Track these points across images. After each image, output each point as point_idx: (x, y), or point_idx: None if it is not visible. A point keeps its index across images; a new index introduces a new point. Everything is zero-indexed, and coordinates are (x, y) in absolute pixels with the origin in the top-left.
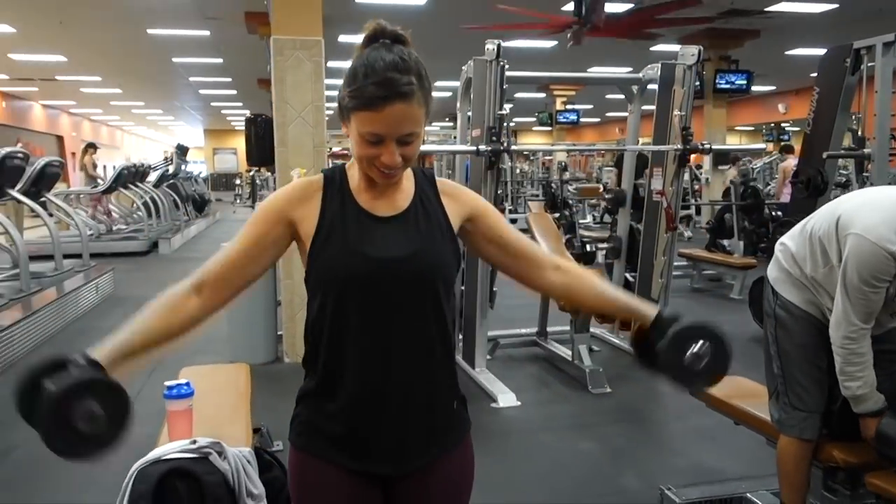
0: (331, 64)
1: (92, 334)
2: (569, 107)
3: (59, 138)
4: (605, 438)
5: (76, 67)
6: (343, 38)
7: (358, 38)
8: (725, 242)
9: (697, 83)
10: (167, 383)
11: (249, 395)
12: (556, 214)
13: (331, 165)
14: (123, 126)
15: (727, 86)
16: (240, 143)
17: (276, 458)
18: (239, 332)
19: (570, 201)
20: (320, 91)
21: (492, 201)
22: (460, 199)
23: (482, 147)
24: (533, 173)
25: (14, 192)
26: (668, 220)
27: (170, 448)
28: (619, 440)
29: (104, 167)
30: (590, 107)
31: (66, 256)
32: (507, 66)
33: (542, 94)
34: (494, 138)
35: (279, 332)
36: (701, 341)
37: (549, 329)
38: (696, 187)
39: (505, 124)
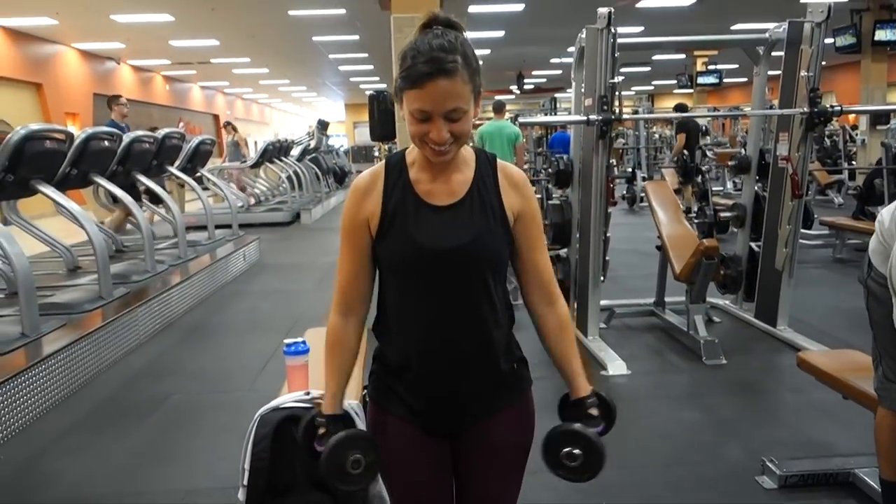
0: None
1: (240, 296)
2: (710, 67)
3: (215, 117)
4: (711, 409)
5: (228, 50)
6: (473, 9)
7: (489, 8)
8: (876, 210)
9: (844, 38)
10: (286, 341)
11: (363, 354)
12: (689, 182)
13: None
14: (272, 103)
15: (889, 37)
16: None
17: None
18: None
19: (704, 168)
20: None
21: (602, 171)
22: (520, 193)
23: (592, 116)
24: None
25: (172, 169)
26: (794, 188)
27: (287, 398)
28: (725, 411)
29: (255, 143)
30: (734, 66)
31: (218, 227)
32: (617, 34)
33: (682, 56)
34: (605, 107)
35: None
36: (574, 448)
37: (667, 299)
38: (852, 150)
39: (617, 92)
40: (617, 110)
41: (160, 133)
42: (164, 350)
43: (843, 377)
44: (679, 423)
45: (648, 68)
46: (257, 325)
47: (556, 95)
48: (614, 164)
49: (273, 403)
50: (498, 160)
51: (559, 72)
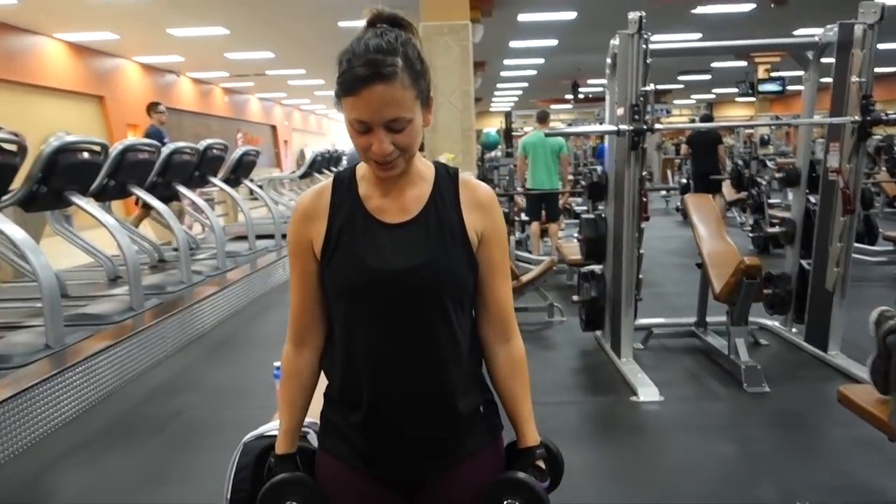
0: (513, 44)
1: (274, 308)
2: (773, 74)
3: (273, 128)
4: (748, 442)
5: (282, 62)
6: (523, 17)
7: (540, 17)
8: None
9: None
10: (276, 363)
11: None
12: (743, 194)
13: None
14: (329, 114)
15: None
16: None
17: None
18: None
19: (759, 179)
20: (468, 75)
21: (635, 184)
22: (485, 212)
23: (623, 126)
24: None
25: (215, 180)
26: (846, 202)
27: (273, 426)
28: (763, 445)
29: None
30: (800, 73)
31: (262, 237)
32: (650, 38)
33: (743, 63)
34: (637, 117)
35: None
36: (515, 500)
37: (709, 319)
38: None
39: (650, 102)
40: (649, 120)
41: (202, 144)
42: (187, 363)
43: (888, 418)
44: (710, 456)
45: (708, 76)
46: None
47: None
48: (647, 176)
49: (258, 431)
50: (463, 175)
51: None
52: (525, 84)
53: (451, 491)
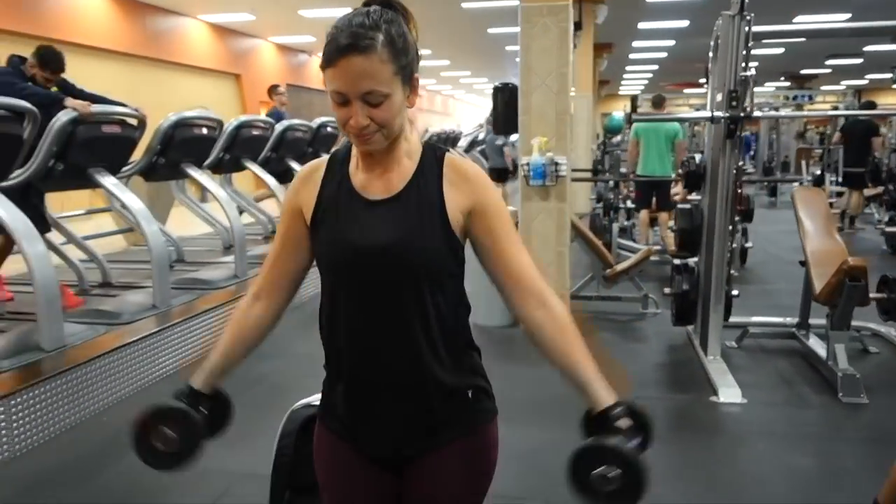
0: (641, 25)
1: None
2: None
3: None
4: (830, 456)
5: None
6: None
7: None
8: None
9: None
10: None
11: None
12: (880, 189)
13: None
14: (455, 94)
15: None
16: None
17: None
18: (480, 295)
19: None
20: (565, 57)
21: (728, 174)
22: (464, 189)
23: (717, 113)
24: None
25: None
26: None
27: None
28: (847, 461)
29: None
30: None
31: None
32: (751, 19)
33: None
34: (734, 103)
35: None
36: (609, 469)
37: (811, 321)
38: None
39: (750, 87)
40: (748, 107)
41: (316, 122)
42: (280, 331)
43: None
44: (785, 467)
45: (860, 60)
46: None
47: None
48: (744, 165)
49: (306, 400)
50: (449, 154)
51: (754, 63)
52: (655, 67)
53: (436, 474)
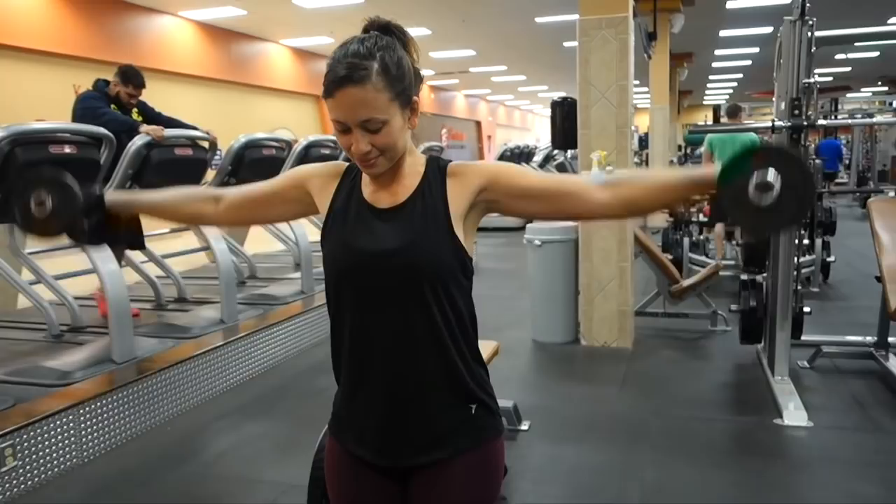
0: (723, 33)
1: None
2: None
3: (477, 123)
4: None
5: (484, 59)
6: (731, 4)
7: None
8: None
9: None
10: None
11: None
12: None
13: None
14: (534, 109)
15: None
16: (642, 121)
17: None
18: (541, 312)
19: None
20: (625, 69)
21: None
22: (466, 176)
23: (779, 122)
24: None
25: None
26: None
27: None
28: None
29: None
30: None
31: None
32: (813, 24)
33: None
34: (797, 111)
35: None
36: (767, 169)
37: (891, 340)
38: None
39: (813, 94)
40: (812, 115)
41: None
42: (304, 370)
43: None
44: (847, 496)
45: None
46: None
47: (849, 95)
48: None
49: None
50: (451, 164)
51: (847, 69)
52: (740, 75)
53: (441, 486)
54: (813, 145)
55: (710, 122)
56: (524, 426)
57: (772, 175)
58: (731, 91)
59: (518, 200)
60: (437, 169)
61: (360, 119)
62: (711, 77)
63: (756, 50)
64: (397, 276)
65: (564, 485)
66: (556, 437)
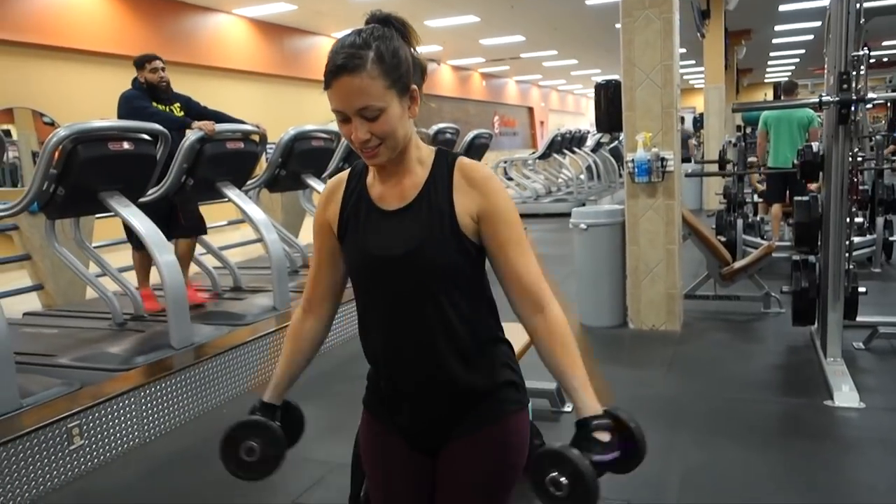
0: (783, 7)
1: None
2: None
3: (530, 109)
4: None
5: (534, 45)
6: (784, 7)
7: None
8: None
9: None
10: None
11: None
12: None
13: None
14: (588, 93)
15: None
16: (698, 101)
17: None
18: (588, 296)
19: None
20: (670, 49)
21: (842, 163)
22: (478, 191)
23: (826, 97)
24: None
25: None
26: None
27: None
28: None
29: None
30: None
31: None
32: None
33: None
34: (845, 86)
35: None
36: (560, 475)
37: None
38: None
39: (862, 68)
40: (861, 90)
41: (433, 129)
42: (338, 358)
43: None
44: None
45: None
46: None
47: None
48: (859, 152)
49: None
50: (460, 159)
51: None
52: (802, 51)
53: (455, 462)
54: (884, 121)
55: (770, 99)
56: (567, 408)
57: (562, 479)
58: (793, 68)
59: (489, 251)
60: (445, 164)
61: (357, 107)
62: (772, 54)
63: (818, 24)
64: (407, 278)
65: None
66: None
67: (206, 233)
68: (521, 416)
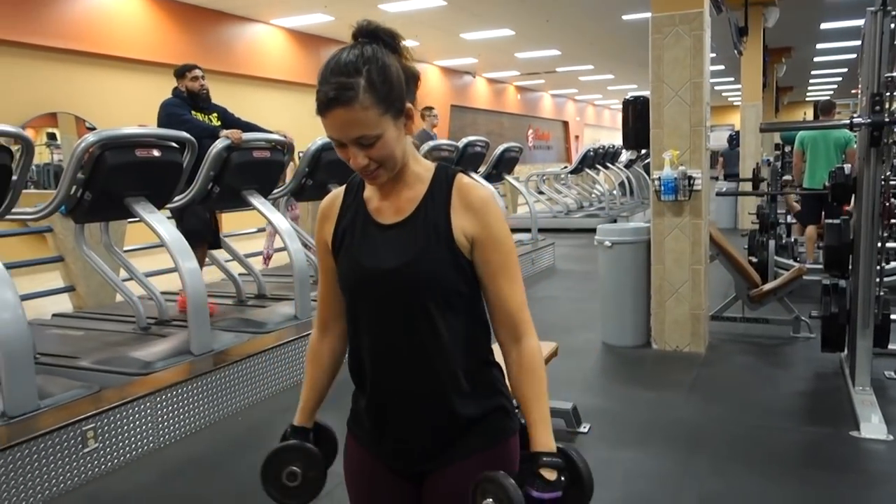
0: (824, 26)
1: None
2: None
3: (565, 123)
4: None
5: (570, 59)
6: None
7: None
8: None
9: None
10: None
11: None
12: None
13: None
14: None
15: None
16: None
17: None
18: (611, 314)
19: None
20: (700, 66)
21: (874, 186)
22: (474, 216)
23: (858, 119)
24: None
25: (475, 175)
26: None
27: None
28: None
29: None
30: None
31: (518, 230)
32: None
33: None
34: (878, 108)
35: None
36: (494, 501)
37: None
38: None
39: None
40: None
41: (462, 142)
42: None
43: None
44: None
45: None
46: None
47: None
48: (892, 175)
49: None
50: (459, 177)
51: None
52: (844, 70)
53: (453, 486)
54: None
55: (809, 118)
56: (584, 428)
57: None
58: (835, 87)
59: (478, 270)
60: (444, 179)
61: (353, 137)
62: (814, 72)
63: (860, 43)
64: (400, 293)
65: (618, 490)
66: (614, 441)
67: (220, 246)
68: (511, 442)
